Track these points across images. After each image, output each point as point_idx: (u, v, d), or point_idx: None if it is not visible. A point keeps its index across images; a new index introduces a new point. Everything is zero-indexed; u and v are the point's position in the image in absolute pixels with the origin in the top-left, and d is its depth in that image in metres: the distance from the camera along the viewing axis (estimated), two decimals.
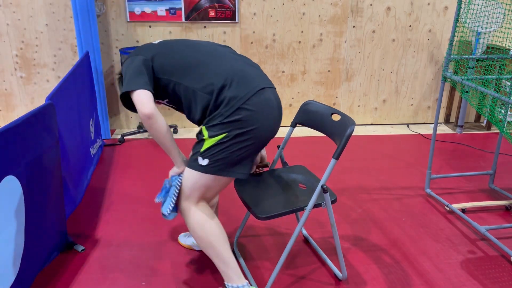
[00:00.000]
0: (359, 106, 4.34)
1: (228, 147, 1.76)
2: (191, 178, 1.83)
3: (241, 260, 2.26)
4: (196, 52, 1.86)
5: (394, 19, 4.06)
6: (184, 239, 2.39)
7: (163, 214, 1.86)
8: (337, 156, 1.83)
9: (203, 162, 1.79)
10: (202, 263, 2.25)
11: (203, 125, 1.80)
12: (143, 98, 1.72)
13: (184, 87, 1.81)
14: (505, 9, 3.48)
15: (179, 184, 1.86)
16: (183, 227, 2.57)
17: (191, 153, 1.86)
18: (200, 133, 1.81)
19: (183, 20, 3.87)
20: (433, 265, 2.25)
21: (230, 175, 1.81)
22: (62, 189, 2.21)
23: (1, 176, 1.61)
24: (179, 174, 1.89)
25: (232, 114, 1.73)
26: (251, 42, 4.02)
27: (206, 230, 1.83)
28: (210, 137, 1.76)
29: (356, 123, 4.45)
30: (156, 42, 1.94)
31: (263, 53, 4.06)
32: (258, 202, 1.94)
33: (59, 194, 2.17)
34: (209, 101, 1.77)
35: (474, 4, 3.22)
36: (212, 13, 3.86)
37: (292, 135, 4.07)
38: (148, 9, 3.82)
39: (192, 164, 1.82)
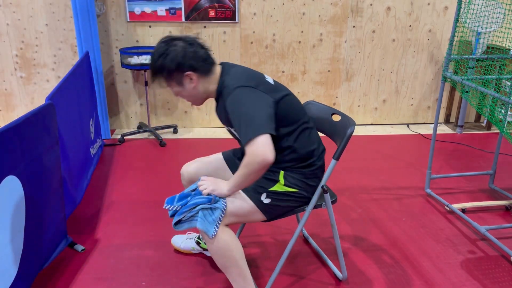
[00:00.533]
0: (359, 106, 4.34)
1: (289, 200, 1.83)
2: (241, 206, 1.77)
3: None
4: (303, 111, 1.87)
5: (394, 19, 4.06)
6: (181, 244, 2.32)
7: (199, 230, 1.73)
8: (337, 157, 1.83)
9: (266, 200, 1.78)
10: (202, 263, 2.25)
11: (282, 170, 1.82)
12: (271, 143, 1.61)
13: (287, 143, 1.79)
14: (505, 9, 3.48)
15: (225, 209, 1.75)
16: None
17: (252, 185, 1.80)
18: (274, 172, 1.81)
19: (183, 20, 3.87)
20: (433, 265, 2.25)
21: (267, 219, 1.84)
22: (62, 189, 2.21)
23: (2, 176, 1.61)
24: (222, 197, 1.77)
25: (312, 179, 1.86)
26: (251, 42, 4.02)
27: (233, 248, 1.76)
28: (285, 185, 1.81)
29: (356, 123, 4.45)
30: (270, 80, 1.83)
31: (263, 53, 4.06)
32: None
33: (59, 194, 2.17)
34: (301, 162, 1.82)
35: (474, 4, 3.22)
36: (212, 13, 3.86)
37: None
38: (148, 9, 3.82)
39: (253, 194, 1.78)
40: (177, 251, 2.34)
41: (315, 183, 1.88)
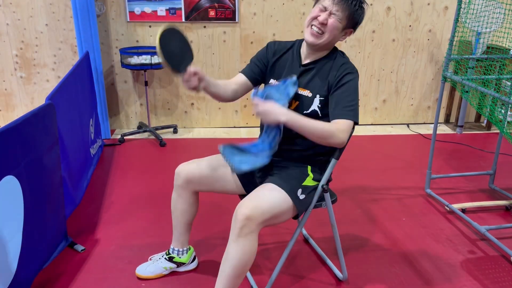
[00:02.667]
0: (359, 106, 4.34)
1: (314, 196, 1.88)
2: (280, 205, 1.73)
3: None
4: None
5: (394, 19, 4.06)
6: (153, 270, 2.12)
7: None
8: (337, 157, 1.83)
9: (301, 196, 1.81)
10: (201, 263, 2.25)
11: (309, 165, 1.89)
12: (351, 131, 1.76)
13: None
14: (505, 9, 3.48)
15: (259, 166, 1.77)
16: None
17: (288, 182, 1.80)
18: (302, 167, 1.88)
19: (183, 20, 3.87)
20: (433, 265, 2.25)
21: (295, 216, 1.85)
22: (62, 189, 2.21)
23: (1, 176, 1.61)
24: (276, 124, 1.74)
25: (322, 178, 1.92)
26: (251, 42, 4.02)
27: (248, 263, 1.70)
28: (313, 179, 1.88)
29: None
30: None
31: None
32: None
33: (59, 194, 2.17)
34: (325, 157, 1.90)
35: (474, 4, 3.22)
36: (212, 13, 3.86)
37: None
38: (148, 9, 3.82)
39: (291, 193, 1.77)
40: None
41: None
